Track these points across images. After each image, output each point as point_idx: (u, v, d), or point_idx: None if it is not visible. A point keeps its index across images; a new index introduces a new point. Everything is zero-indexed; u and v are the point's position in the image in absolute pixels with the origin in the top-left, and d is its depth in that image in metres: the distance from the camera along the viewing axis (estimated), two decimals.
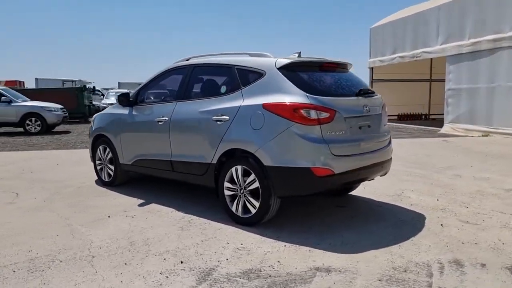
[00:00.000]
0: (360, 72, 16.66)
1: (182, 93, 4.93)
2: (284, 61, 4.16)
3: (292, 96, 3.92)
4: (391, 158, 4.73)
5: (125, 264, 3.30)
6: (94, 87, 24.47)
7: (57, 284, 2.95)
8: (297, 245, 3.69)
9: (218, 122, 4.31)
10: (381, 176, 4.73)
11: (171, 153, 4.89)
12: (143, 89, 5.54)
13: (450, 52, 14.54)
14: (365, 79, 20.97)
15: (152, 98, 5.44)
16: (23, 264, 3.31)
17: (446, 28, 14.85)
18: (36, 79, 29.39)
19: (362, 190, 5.59)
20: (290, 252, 3.54)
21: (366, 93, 4.40)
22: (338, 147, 3.92)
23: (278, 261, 3.34)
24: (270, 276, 3.08)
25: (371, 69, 20.10)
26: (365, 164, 4.19)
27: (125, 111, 5.62)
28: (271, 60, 4.24)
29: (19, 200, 5.36)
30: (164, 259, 3.40)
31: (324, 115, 3.86)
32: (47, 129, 15.12)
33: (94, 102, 23.17)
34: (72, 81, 30.47)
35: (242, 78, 4.36)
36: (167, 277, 3.07)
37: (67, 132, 15.74)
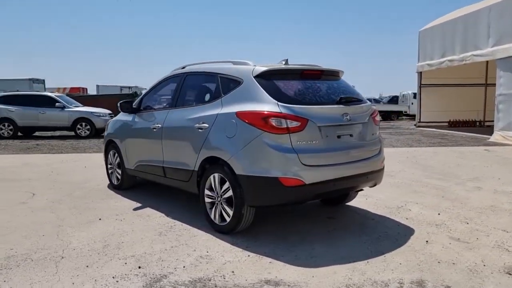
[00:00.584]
0: (411, 77, 16.01)
1: (174, 100, 5.06)
2: (260, 69, 4.14)
3: (264, 104, 3.88)
4: (381, 169, 4.51)
5: (87, 266, 3.44)
6: (140, 92, 25.61)
7: (16, 282, 3.14)
8: (261, 256, 3.64)
9: (200, 130, 4.37)
10: (370, 187, 4.55)
11: (163, 160, 5.02)
12: (145, 97, 5.75)
13: (500, 55, 13.57)
14: (413, 84, 20.16)
15: (150, 105, 5.63)
16: None
17: (497, 29, 13.90)
18: (97, 85, 31.32)
19: (364, 201, 5.39)
20: (250, 262, 3.51)
21: (349, 101, 4.25)
22: (309, 157, 3.82)
23: (233, 272, 3.32)
24: (216, 286, 3.07)
25: (420, 73, 19.26)
26: (343, 174, 4.04)
27: (129, 118, 5.86)
28: (249, 68, 4.24)
29: (33, 200, 5.74)
30: (125, 263, 3.50)
31: (294, 124, 3.78)
32: (95, 133, 16.02)
33: None
34: (129, 87, 32.08)
35: (223, 86, 4.39)
36: (117, 281, 3.16)
37: None
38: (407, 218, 4.72)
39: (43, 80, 27.97)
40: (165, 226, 4.51)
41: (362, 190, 4.67)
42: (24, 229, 4.44)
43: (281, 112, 3.78)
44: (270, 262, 3.51)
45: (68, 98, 17.72)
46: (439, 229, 4.33)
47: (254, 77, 4.09)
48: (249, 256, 3.65)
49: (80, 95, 23.86)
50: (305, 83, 4.22)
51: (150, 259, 3.59)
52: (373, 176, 4.40)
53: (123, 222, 4.66)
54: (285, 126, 3.75)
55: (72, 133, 16.17)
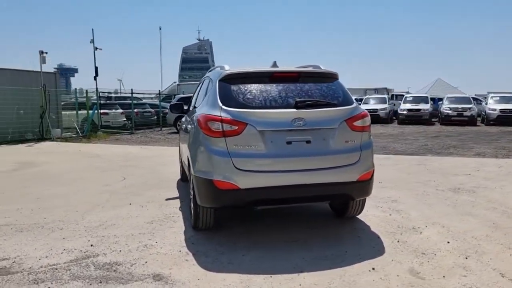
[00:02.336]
0: None
1: (195, 102, 5.51)
2: (224, 73, 4.22)
3: (211, 108, 4.00)
4: (360, 181, 4.00)
5: (63, 238, 4.26)
6: None
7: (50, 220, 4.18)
8: (182, 253, 3.81)
9: (192, 130, 4.68)
10: (344, 201, 4.12)
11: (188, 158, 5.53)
12: (192, 98, 6.34)
13: None
14: None
15: (192, 106, 6.20)
16: (19, 221, 4.70)
17: None
18: None
19: (382, 215, 4.80)
20: (168, 256, 3.73)
21: (308, 105, 3.93)
22: (245, 162, 3.76)
23: (146, 262, 3.62)
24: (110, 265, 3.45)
25: None
26: (291, 182, 3.81)
27: (184, 118, 6.56)
28: (219, 72, 4.37)
29: (117, 182, 7.06)
30: (89, 240, 4.17)
31: (231, 127, 3.79)
32: None
33: None
34: None
35: (207, 89, 4.64)
36: (50, 252, 3.85)
37: None
38: (398, 241, 4.04)
39: None
40: (162, 216, 5.02)
41: (335, 200, 4.23)
42: (74, 201, 5.62)
43: (218, 116, 3.84)
44: (187, 259, 3.66)
45: None
46: (402, 244, 3.61)
47: (218, 80, 4.20)
48: (181, 252, 3.87)
49: None
50: (266, 87, 4.09)
51: (107, 241, 4.17)
52: (343, 188, 3.96)
53: (141, 208, 5.37)
54: (221, 130, 3.80)
55: None
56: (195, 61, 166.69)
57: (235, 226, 4.60)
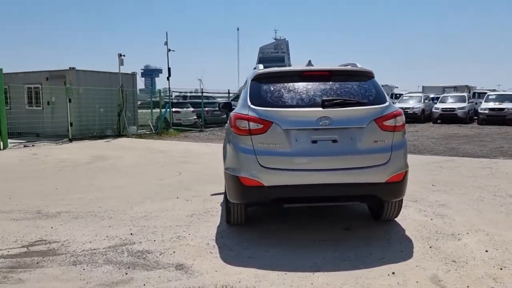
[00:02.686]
0: None
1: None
2: (256, 72, 4.32)
3: (242, 107, 4.13)
4: (389, 183, 3.89)
5: (97, 222, 4.66)
6: None
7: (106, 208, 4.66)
8: (210, 246, 3.98)
9: (227, 129, 4.85)
10: (374, 203, 4.03)
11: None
12: (237, 98, 6.53)
13: None
14: None
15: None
16: (80, 207, 5.21)
17: None
18: (423, 86, 32.07)
19: (421, 219, 4.60)
20: (195, 248, 3.93)
21: (334, 104, 3.90)
22: (270, 159, 3.84)
23: (174, 252, 3.85)
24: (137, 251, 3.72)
25: None
26: (315, 181, 3.81)
27: None
28: (253, 72, 4.47)
29: (172, 177, 7.48)
30: (129, 229, 4.52)
31: (256, 126, 3.88)
32: None
33: None
34: (454, 87, 30.74)
35: (244, 89, 4.77)
36: (94, 238, 4.23)
37: None
38: (430, 247, 3.86)
39: None
40: (202, 210, 5.25)
41: (363, 202, 4.13)
42: (128, 193, 6.08)
43: (246, 115, 3.95)
44: (210, 252, 3.83)
45: None
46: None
47: (251, 80, 4.32)
48: (208, 245, 4.05)
49: None
50: (295, 86, 4.12)
51: (146, 230, 4.48)
52: (371, 189, 3.88)
53: (185, 203, 5.65)
54: (247, 128, 3.91)
55: None
56: (272, 61, 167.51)
57: (268, 223, 4.69)
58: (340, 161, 3.85)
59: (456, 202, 5.44)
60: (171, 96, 18.88)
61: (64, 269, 3.49)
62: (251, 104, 4.02)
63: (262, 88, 4.16)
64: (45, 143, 13.75)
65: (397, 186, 3.95)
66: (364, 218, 4.82)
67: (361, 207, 5.11)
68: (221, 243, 4.07)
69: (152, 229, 4.51)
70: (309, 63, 4.56)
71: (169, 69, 18.94)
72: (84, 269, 3.47)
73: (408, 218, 4.76)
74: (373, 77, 4.31)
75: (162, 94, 18.65)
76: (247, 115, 3.94)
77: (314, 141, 3.85)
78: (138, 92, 19.22)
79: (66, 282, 3.24)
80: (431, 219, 4.70)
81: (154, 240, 4.17)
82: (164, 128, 17.65)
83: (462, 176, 7.23)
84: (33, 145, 13.27)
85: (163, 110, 17.97)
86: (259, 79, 4.26)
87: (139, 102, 18.59)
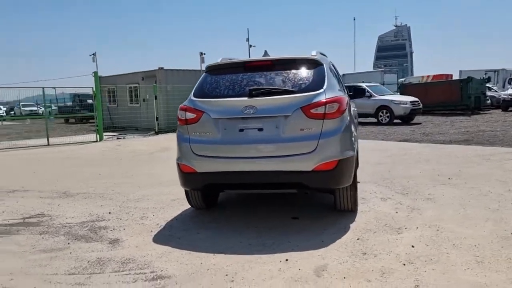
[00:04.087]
0: None
1: None
2: (208, 64, 4.56)
3: (188, 98, 4.42)
4: (315, 171, 3.83)
5: (95, 202, 5.36)
6: (489, 77, 22.68)
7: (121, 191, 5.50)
8: (158, 226, 4.37)
9: None
10: (300, 190, 4.00)
11: None
12: None
13: None
14: None
15: None
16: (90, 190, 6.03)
17: None
18: (460, 71, 29.90)
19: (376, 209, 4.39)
20: (144, 226, 4.36)
21: (260, 93, 3.95)
22: (201, 147, 4.08)
23: (124, 229, 4.36)
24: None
25: None
26: (241, 168, 3.94)
27: None
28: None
29: None
30: (112, 209, 5.14)
31: (190, 116, 4.15)
32: (394, 120, 16.61)
33: (490, 93, 21.74)
34: (495, 70, 28.55)
35: None
36: (78, 214, 4.92)
37: (418, 123, 16.49)
38: (358, 239, 3.70)
39: (396, 71, 29.62)
40: None
41: (294, 189, 4.07)
42: (148, 180, 6.78)
43: (184, 105, 4.25)
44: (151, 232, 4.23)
45: (381, 88, 18.92)
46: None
47: (204, 73, 4.58)
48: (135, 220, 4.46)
49: (412, 84, 24.18)
50: (234, 76, 4.26)
51: (125, 210, 5.05)
52: (297, 177, 3.87)
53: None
54: (184, 118, 4.20)
55: (374, 120, 17.39)
56: (391, 49, 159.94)
57: (229, 209, 4.90)
58: (266, 149, 3.91)
59: (452, 196, 4.96)
60: None
61: (30, 237, 4.21)
62: (193, 95, 4.29)
63: (206, 80, 4.39)
64: (135, 136, 15.51)
65: (327, 175, 3.86)
66: (327, 208, 4.71)
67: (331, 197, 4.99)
68: (170, 224, 4.43)
69: (130, 210, 5.05)
70: (265, 54, 4.64)
71: None
72: (43, 238, 4.15)
73: (373, 210, 4.55)
74: (320, 65, 4.23)
75: None
76: (186, 105, 4.23)
77: (241, 130, 3.97)
78: None
79: (20, 247, 3.93)
80: (396, 212, 4.43)
81: (120, 219, 4.70)
82: None
83: (499, 169, 6.41)
84: (123, 138, 15.08)
85: None
86: (209, 71, 4.49)
87: None
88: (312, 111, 3.85)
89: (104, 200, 5.61)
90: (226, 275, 3.10)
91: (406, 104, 16.61)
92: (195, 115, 4.11)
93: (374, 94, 17.29)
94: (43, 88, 14.71)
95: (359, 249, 3.47)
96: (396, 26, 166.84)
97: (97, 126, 14.71)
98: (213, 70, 4.47)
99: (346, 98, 4.19)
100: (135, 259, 3.50)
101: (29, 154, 11.39)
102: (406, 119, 17.13)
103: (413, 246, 3.47)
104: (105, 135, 15.28)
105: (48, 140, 13.87)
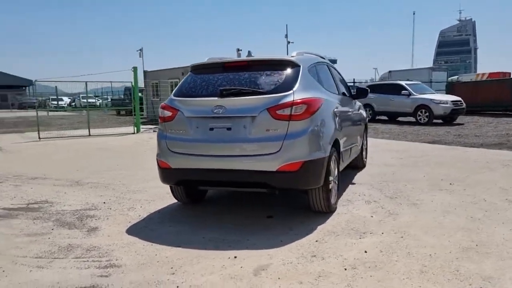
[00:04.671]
0: None
1: None
2: (192, 64, 4.71)
3: (169, 96, 4.60)
4: (280, 172, 3.87)
5: (96, 192, 5.70)
6: None
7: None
8: (140, 217, 4.60)
9: None
10: (267, 190, 4.05)
11: None
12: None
13: None
14: None
15: None
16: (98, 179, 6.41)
17: None
18: None
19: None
20: (126, 217, 4.62)
21: (230, 93, 4.04)
22: (176, 145, 4.25)
23: (107, 219, 4.64)
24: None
25: None
26: (210, 166, 4.07)
27: None
28: None
29: None
30: (108, 198, 5.46)
31: (167, 114, 4.33)
32: (433, 120, 15.95)
33: None
34: None
35: None
36: (76, 202, 5.27)
37: (460, 124, 15.76)
38: (316, 241, 3.72)
39: (446, 68, 28.10)
40: None
41: (261, 188, 4.11)
42: (154, 173, 7.08)
43: (164, 104, 4.43)
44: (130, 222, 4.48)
45: (422, 86, 18.18)
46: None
47: (189, 72, 4.75)
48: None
49: (461, 82, 22.92)
50: (211, 76, 4.38)
51: (118, 201, 5.35)
52: (262, 177, 3.93)
53: None
54: (163, 116, 4.39)
55: (413, 119, 16.78)
56: (454, 45, 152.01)
57: (213, 205, 5.04)
58: (233, 148, 4.00)
59: (440, 203, 4.79)
60: None
61: (24, 221, 4.59)
62: (173, 95, 4.46)
63: (187, 80, 4.55)
64: None
65: (291, 176, 3.89)
66: (306, 209, 4.71)
67: None
68: (150, 216, 4.64)
69: (123, 201, 5.34)
70: (249, 54, 4.71)
71: None
72: (34, 223, 4.51)
73: (350, 212, 4.51)
74: (296, 66, 4.25)
75: None
76: (165, 104, 4.41)
77: (211, 129, 4.09)
78: None
79: (10, 230, 4.30)
80: (372, 216, 4.36)
81: (110, 209, 4.99)
82: None
83: (510, 177, 6.06)
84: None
85: None
86: (193, 70, 4.64)
87: None
88: (278, 112, 3.89)
89: (107, 190, 5.95)
90: (171, 267, 3.25)
91: (447, 103, 15.88)
92: (171, 113, 4.28)
93: (413, 93, 16.68)
94: (98, 81, 15.58)
95: (311, 251, 3.49)
96: (459, 20, 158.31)
97: (135, 118, 15.40)
98: (195, 70, 4.62)
99: (320, 100, 4.18)
100: (100, 247, 3.73)
101: (68, 143, 12.21)
102: (448, 119, 16.40)
103: (366, 252, 3.43)
104: (144, 128, 15.97)
105: (89, 131, 14.73)
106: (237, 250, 3.56)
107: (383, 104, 17.63)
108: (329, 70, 5.50)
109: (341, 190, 5.46)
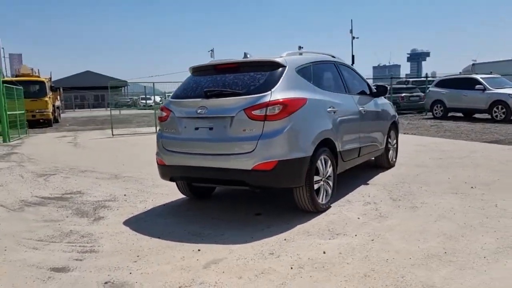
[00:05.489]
0: None
1: None
2: (190, 66, 4.98)
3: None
4: (255, 170, 3.99)
5: (118, 183, 6.25)
6: None
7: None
8: (145, 209, 5.00)
9: None
10: (245, 187, 4.19)
11: None
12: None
13: None
14: None
15: None
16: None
17: None
18: None
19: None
20: (132, 208, 5.05)
21: (213, 94, 4.23)
22: (169, 143, 4.56)
23: (118, 209, 5.11)
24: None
25: None
26: (195, 164, 4.31)
27: None
28: None
29: None
30: (125, 188, 5.97)
31: (163, 114, 4.66)
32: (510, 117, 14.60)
33: None
34: None
35: None
36: (99, 193, 5.84)
37: None
38: (285, 239, 3.78)
39: None
40: None
41: (242, 186, 4.23)
42: None
43: (162, 105, 4.77)
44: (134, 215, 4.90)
45: (501, 80, 16.60)
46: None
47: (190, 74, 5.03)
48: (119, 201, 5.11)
49: None
50: (202, 78, 4.61)
51: (138, 194, 5.84)
52: (239, 175, 4.09)
53: None
54: (160, 116, 4.73)
55: (488, 116, 15.46)
56: None
57: (213, 201, 5.28)
58: (215, 147, 4.20)
59: (443, 207, 4.53)
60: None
61: (49, 209, 5.22)
62: (172, 96, 4.78)
63: (184, 81, 4.84)
64: None
65: (266, 175, 3.98)
66: (296, 209, 4.74)
67: None
68: (153, 209, 5.00)
69: (142, 194, 5.79)
70: (245, 56, 4.84)
71: (353, 56, 19.06)
72: (56, 211, 5.12)
73: (339, 213, 4.47)
74: (281, 67, 4.32)
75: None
76: (163, 106, 4.74)
77: (197, 128, 4.34)
78: None
79: (34, 215, 4.93)
80: (358, 218, 4.28)
81: (125, 201, 5.46)
82: None
83: None
84: None
85: None
86: (192, 72, 4.92)
87: None
88: (254, 112, 4.00)
89: (134, 183, 6.47)
90: (138, 256, 3.55)
91: None
92: (165, 114, 4.60)
93: (489, 87, 15.36)
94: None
95: (272, 249, 3.57)
96: None
97: None
98: (193, 72, 4.88)
99: (301, 100, 4.20)
100: (93, 235, 4.16)
101: (135, 140, 13.26)
102: None
103: (324, 253, 3.42)
104: None
105: (156, 128, 15.84)
106: (205, 243, 3.76)
107: (455, 100, 16.48)
108: (338, 69, 5.42)
109: (348, 190, 5.41)
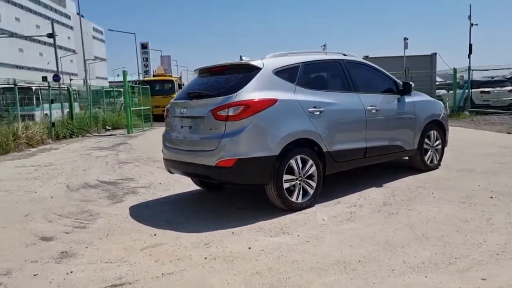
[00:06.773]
0: None
1: None
2: (195, 69, 5.45)
3: None
4: (218, 167, 4.31)
5: (118, 168, 7.08)
6: None
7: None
8: (157, 201, 5.69)
9: None
10: (209, 180, 4.57)
11: None
12: None
13: None
14: None
15: None
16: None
17: None
18: None
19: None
20: (145, 196, 5.78)
21: (193, 96, 4.65)
22: (166, 139, 5.15)
23: (137, 197, 5.91)
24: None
25: None
26: (177, 158, 4.82)
27: None
28: None
29: None
30: (168, 181, 6.75)
31: (166, 114, 5.27)
32: None
33: None
34: None
35: None
36: (150, 181, 6.74)
37: None
38: (233, 233, 4.04)
39: None
40: None
41: (211, 180, 4.62)
42: None
43: (167, 106, 5.37)
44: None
45: None
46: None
47: None
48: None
49: None
50: (197, 80, 5.06)
51: (169, 183, 6.58)
52: (206, 170, 4.45)
53: None
54: (164, 116, 5.35)
55: None
56: None
57: (225, 194, 5.68)
58: (191, 144, 4.64)
59: (436, 216, 4.17)
60: (471, 75, 16.95)
61: (94, 191, 6.24)
62: (174, 98, 5.35)
63: (189, 83, 5.36)
64: None
65: (227, 171, 4.25)
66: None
67: None
68: (166, 197, 5.65)
69: (173, 183, 6.43)
70: (240, 59, 5.11)
71: (470, 45, 16.95)
72: (97, 193, 6.11)
73: (312, 213, 4.49)
74: (256, 69, 4.50)
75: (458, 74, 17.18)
76: (167, 106, 5.34)
77: (182, 127, 4.82)
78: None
79: (79, 195, 5.98)
80: (323, 220, 4.25)
81: (155, 188, 6.22)
82: (460, 109, 16.49)
83: None
84: None
85: (459, 91, 16.68)
86: (197, 74, 5.40)
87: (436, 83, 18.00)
88: (218, 113, 4.30)
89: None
90: (107, 234, 4.20)
91: None
92: (166, 113, 5.19)
93: None
94: None
95: (211, 240, 3.85)
96: None
97: None
98: (198, 73, 5.34)
99: (269, 101, 4.31)
100: (99, 214, 4.97)
101: None
102: None
103: (249, 248, 3.59)
104: None
105: None
106: (163, 229, 4.23)
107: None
108: (343, 68, 5.24)
109: (352, 191, 5.29)
